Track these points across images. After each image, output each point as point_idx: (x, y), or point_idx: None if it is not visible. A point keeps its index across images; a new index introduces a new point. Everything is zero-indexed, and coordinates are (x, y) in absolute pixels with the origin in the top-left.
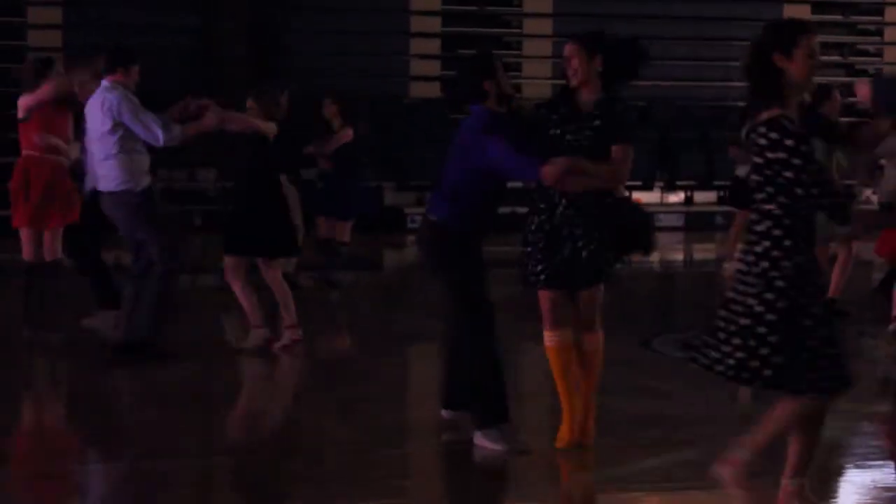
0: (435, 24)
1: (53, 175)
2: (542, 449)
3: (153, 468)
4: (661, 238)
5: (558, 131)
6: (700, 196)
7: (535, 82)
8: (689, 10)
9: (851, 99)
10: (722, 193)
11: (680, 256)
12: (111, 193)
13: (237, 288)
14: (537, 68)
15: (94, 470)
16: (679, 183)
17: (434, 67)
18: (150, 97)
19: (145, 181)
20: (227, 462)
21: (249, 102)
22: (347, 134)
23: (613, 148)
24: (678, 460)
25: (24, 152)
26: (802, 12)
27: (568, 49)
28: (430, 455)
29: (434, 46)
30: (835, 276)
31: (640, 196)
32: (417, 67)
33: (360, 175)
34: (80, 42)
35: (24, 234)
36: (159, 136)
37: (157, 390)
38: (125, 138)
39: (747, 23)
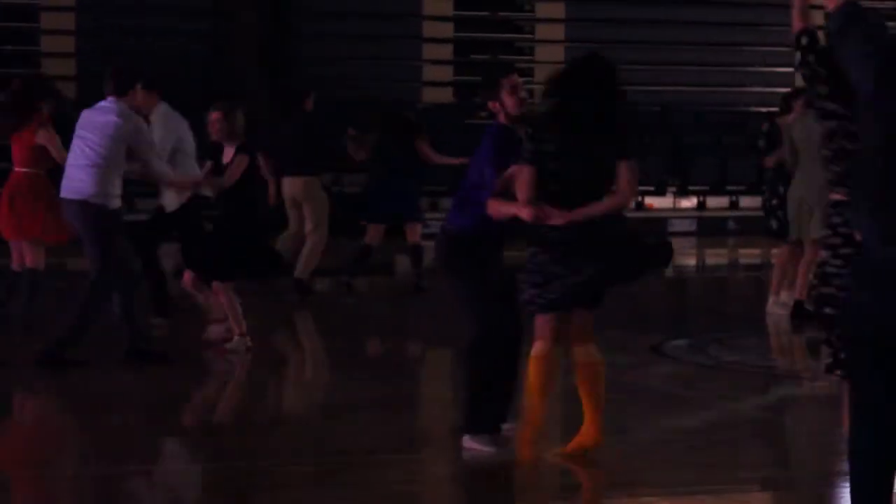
0: (447, 30)
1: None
2: (554, 457)
3: (160, 473)
4: (675, 243)
5: None
6: (713, 201)
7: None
8: (699, 16)
9: None
10: (734, 198)
11: (692, 261)
12: (82, 202)
13: (224, 298)
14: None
15: (95, 475)
16: (691, 188)
17: (446, 73)
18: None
19: (117, 203)
20: (234, 467)
21: (215, 115)
22: (364, 141)
23: None
24: (691, 464)
25: (23, 169)
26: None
27: None
28: (438, 462)
29: (446, 52)
30: (800, 277)
31: (653, 201)
32: (430, 73)
33: (394, 179)
34: (92, 48)
35: (27, 245)
36: (156, 163)
37: (164, 394)
38: (118, 155)
39: (755, 28)
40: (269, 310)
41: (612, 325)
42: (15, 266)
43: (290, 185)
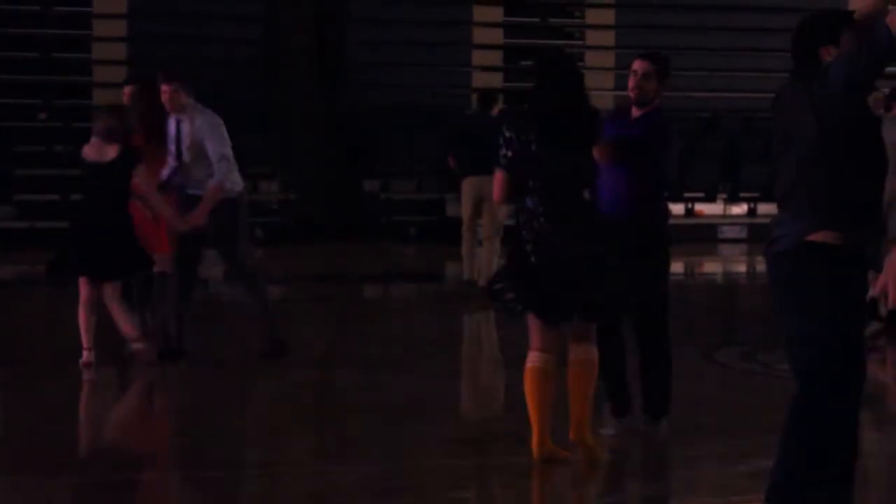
0: (497, 36)
1: None
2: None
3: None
4: (725, 249)
5: None
6: (763, 207)
7: (598, 94)
8: (753, 22)
9: None
10: None
11: (743, 268)
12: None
13: (116, 306)
14: (600, 80)
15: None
16: (742, 194)
17: (496, 79)
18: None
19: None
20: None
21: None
22: None
23: None
24: (743, 472)
25: None
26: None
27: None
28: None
29: (496, 58)
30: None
31: (703, 207)
32: (479, 79)
33: None
34: (144, 55)
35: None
36: None
37: (238, 400)
38: None
39: None
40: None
41: None
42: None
43: (479, 184)
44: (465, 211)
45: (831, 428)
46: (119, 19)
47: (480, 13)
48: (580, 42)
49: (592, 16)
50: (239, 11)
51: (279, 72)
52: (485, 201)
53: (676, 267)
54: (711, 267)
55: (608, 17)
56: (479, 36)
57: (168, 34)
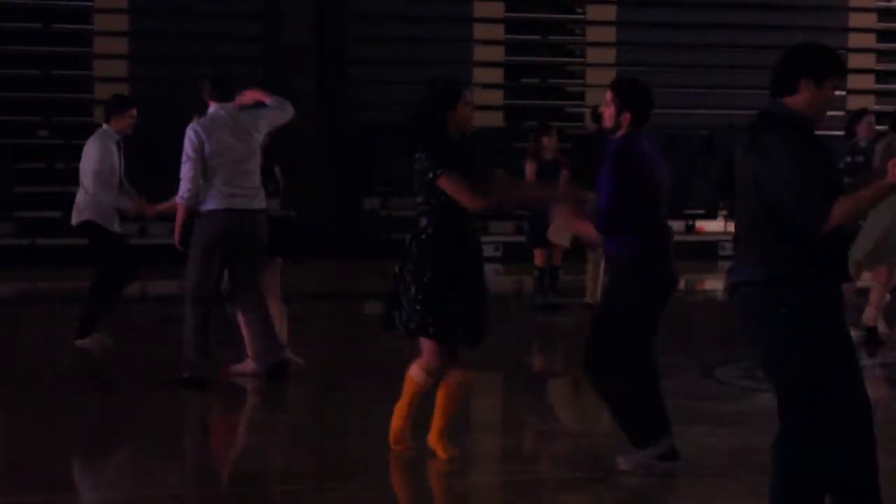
0: (498, 54)
1: None
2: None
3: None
4: (726, 266)
5: None
6: None
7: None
8: (752, 40)
9: None
10: None
11: None
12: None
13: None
14: (601, 97)
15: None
16: None
17: (497, 97)
18: None
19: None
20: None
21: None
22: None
23: None
24: (745, 491)
25: None
26: (867, 41)
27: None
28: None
29: (497, 76)
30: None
31: (703, 224)
32: (480, 97)
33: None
34: (146, 74)
35: None
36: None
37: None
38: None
39: None
40: None
41: (663, 349)
42: None
43: None
44: None
45: (821, 456)
46: (120, 37)
47: (481, 31)
48: (581, 60)
49: (593, 34)
50: (237, 15)
51: (279, 84)
52: None
53: None
54: (712, 284)
55: (609, 35)
56: (480, 53)
57: (169, 53)
